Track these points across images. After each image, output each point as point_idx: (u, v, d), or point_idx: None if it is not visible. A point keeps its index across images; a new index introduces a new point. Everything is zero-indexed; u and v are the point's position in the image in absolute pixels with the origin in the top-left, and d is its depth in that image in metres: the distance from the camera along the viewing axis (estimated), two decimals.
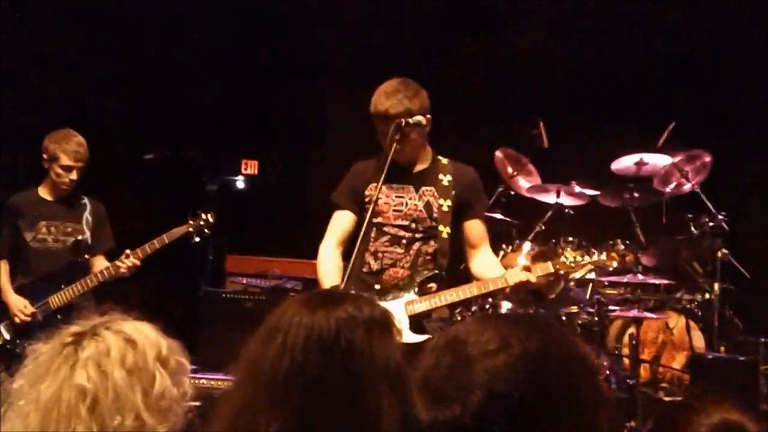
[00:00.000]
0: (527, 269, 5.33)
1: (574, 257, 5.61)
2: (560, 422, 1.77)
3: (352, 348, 1.99)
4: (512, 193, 8.53)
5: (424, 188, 5.48)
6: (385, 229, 5.44)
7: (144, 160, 9.31)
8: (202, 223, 6.43)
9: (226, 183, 10.04)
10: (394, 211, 5.45)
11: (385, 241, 5.44)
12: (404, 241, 5.42)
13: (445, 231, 5.45)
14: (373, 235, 5.43)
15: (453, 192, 5.48)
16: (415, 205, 5.45)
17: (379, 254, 5.44)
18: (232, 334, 7.60)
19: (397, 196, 5.46)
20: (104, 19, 10.18)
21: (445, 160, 5.58)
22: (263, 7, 10.83)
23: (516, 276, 5.27)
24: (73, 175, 6.42)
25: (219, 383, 6.36)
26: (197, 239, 6.45)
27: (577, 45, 9.77)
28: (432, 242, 5.43)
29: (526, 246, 8.00)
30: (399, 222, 5.43)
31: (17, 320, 6.29)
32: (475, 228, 5.58)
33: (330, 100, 10.88)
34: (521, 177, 8.52)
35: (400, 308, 5.24)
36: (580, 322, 7.25)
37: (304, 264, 8.86)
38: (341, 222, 5.56)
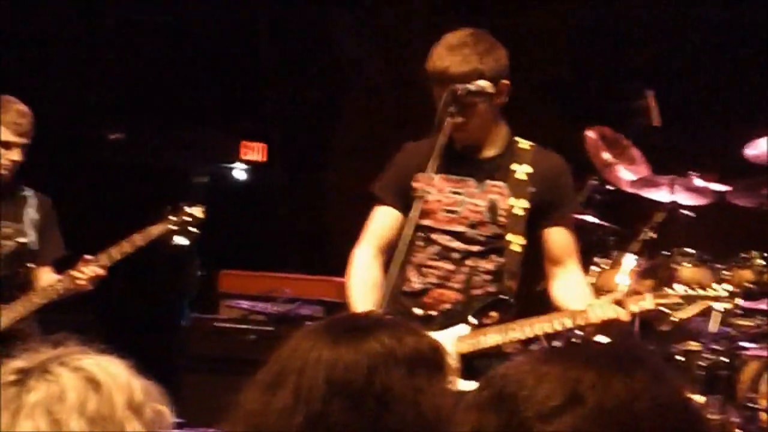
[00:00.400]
0: (619, 303, 4.98)
1: (686, 290, 5.12)
2: None
3: (390, 394, 2.01)
4: (609, 187, 8.40)
5: (489, 182, 5.23)
6: (434, 236, 5.22)
7: (108, 140, 9.37)
8: (186, 218, 6.26)
9: (220, 173, 10.09)
10: (447, 212, 5.21)
11: (434, 252, 5.23)
12: (456, 254, 5.20)
13: (515, 242, 5.19)
14: (419, 242, 5.23)
15: (531, 189, 5.21)
16: (475, 204, 5.22)
17: (424, 269, 5.24)
18: (226, 377, 7.62)
19: (452, 192, 5.23)
20: None
21: (525, 144, 5.31)
22: None
23: (601, 312, 4.90)
24: (14, 155, 6.27)
25: None
26: (180, 241, 6.28)
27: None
28: (495, 256, 5.22)
29: (628, 260, 7.97)
30: (452, 227, 5.21)
31: None
32: (559, 238, 5.30)
33: (350, 72, 11.03)
34: (622, 166, 8.45)
35: (448, 345, 4.89)
36: (701, 363, 7.15)
37: (326, 282, 8.90)
38: (383, 222, 5.33)
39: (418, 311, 5.17)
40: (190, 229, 6.28)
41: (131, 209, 6.34)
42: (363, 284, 5.22)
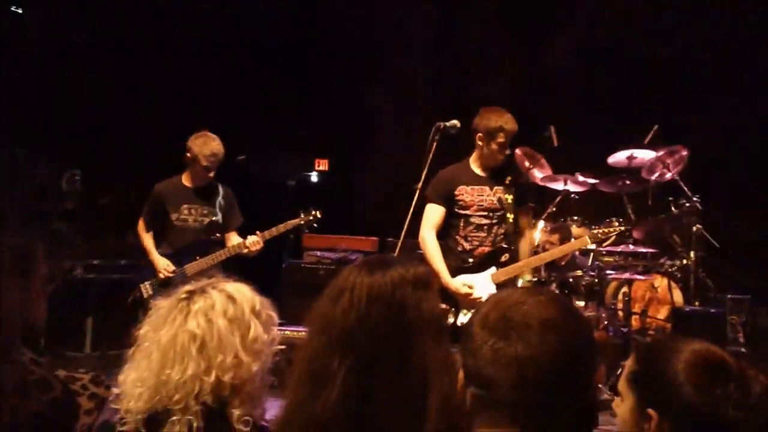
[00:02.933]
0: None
1: (602, 230, 5.98)
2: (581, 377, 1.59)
3: (404, 302, 1.95)
4: (529, 182, 8.41)
5: (496, 187, 5.61)
6: (472, 219, 5.57)
7: (236, 160, 9.38)
8: (311, 218, 6.21)
9: (302, 178, 10.07)
10: (477, 204, 5.59)
11: (472, 228, 5.58)
12: (485, 226, 5.56)
13: (510, 217, 5.54)
14: (461, 224, 5.60)
15: (512, 188, 5.61)
16: (491, 200, 5.58)
17: (469, 237, 5.57)
18: (309, 295, 7.68)
19: (478, 195, 5.64)
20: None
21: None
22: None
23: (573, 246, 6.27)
24: (211, 174, 6.15)
25: (299, 334, 6.35)
26: (306, 231, 6.30)
27: (581, 63, 9.79)
28: (503, 225, 5.55)
29: (541, 224, 7.95)
30: (481, 213, 5.57)
31: (161, 276, 6.09)
32: (523, 216, 5.76)
33: (378, 107, 10.88)
34: (536, 169, 8.44)
35: (488, 278, 5.48)
36: (584, 283, 7.20)
37: (363, 240, 8.91)
38: (436, 214, 5.67)
39: (471, 260, 5.51)
40: (314, 225, 6.22)
41: (258, 204, 6.27)
42: (435, 248, 5.54)
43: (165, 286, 5.98)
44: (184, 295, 2.23)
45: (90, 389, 2.22)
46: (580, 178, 8.08)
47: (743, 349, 7.39)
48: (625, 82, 9.69)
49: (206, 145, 6.08)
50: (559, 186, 8.22)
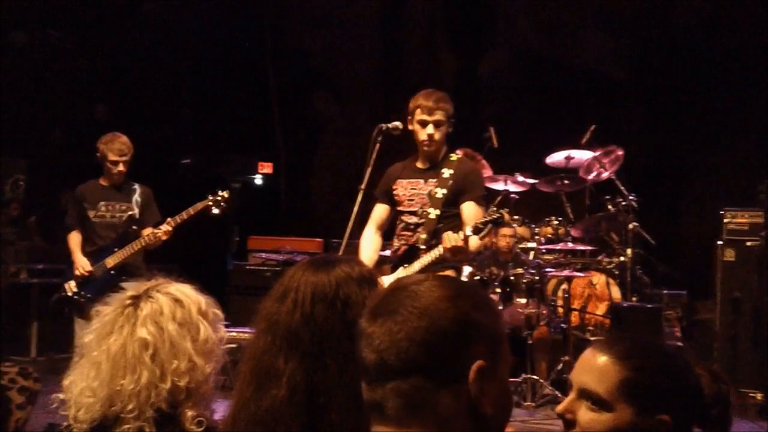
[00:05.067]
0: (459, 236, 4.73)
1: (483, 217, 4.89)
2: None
3: (349, 300, 1.93)
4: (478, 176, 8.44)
5: (430, 180, 5.16)
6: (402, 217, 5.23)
7: (181, 164, 9.31)
8: (219, 198, 6.20)
9: (246, 181, 10.05)
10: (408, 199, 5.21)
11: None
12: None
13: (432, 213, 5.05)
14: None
15: (450, 182, 5.08)
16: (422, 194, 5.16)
17: (401, 237, 5.24)
18: (254, 296, 7.65)
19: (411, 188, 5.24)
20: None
21: (455, 156, 5.26)
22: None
23: (447, 241, 4.71)
24: (120, 167, 6.29)
25: (246, 335, 6.31)
26: (216, 211, 6.19)
27: (519, 66, 9.91)
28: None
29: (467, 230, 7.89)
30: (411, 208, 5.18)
31: (77, 273, 6.21)
32: (466, 209, 5.06)
33: (325, 110, 10.90)
34: None
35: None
36: (524, 280, 7.19)
37: (309, 242, 8.93)
38: (379, 213, 5.34)
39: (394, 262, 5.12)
40: (222, 204, 6.20)
41: (193, 201, 6.24)
42: (366, 246, 5.20)
43: (87, 282, 6.18)
44: (128, 301, 2.17)
45: (19, 382, 2.13)
46: (520, 179, 8.12)
47: (680, 344, 7.55)
48: (561, 84, 9.86)
49: (112, 143, 6.29)
50: (499, 186, 8.24)
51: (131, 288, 2.25)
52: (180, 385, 2.08)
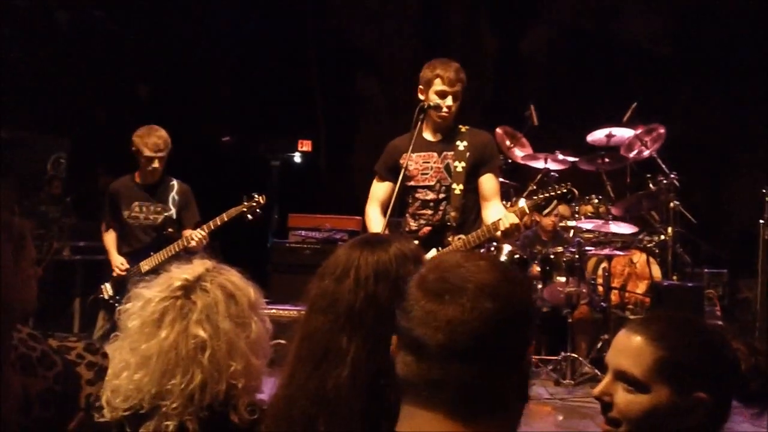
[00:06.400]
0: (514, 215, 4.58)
1: (542, 194, 4.74)
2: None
3: (407, 278, 1.91)
4: (510, 161, 8.41)
5: (445, 153, 4.93)
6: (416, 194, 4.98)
7: (221, 142, 9.31)
8: (254, 203, 5.82)
9: (286, 159, 10.05)
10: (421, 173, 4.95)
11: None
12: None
13: (457, 188, 4.84)
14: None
15: (467, 155, 4.86)
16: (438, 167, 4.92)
17: (417, 215, 5.00)
18: (295, 274, 7.69)
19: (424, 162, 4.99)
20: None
21: (464, 128, 5.00)
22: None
23: (506, 220, 4.54)
24: (155, 164, 5.92)
25: (285, 312, 6.34)
26: (250, 217, 5.81)
27: (560, 43, 9.82)
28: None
29: (521, 202, 7.80)
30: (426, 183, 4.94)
31: (114, 274, 5.97)
32: (486, 182, 4.88)
33: (366, 89, 10.87)
34: (516, 148, 8.45)
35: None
36: (564, 259, 7.16)
37: (348, 219, 8.91)
38: (381, 189, 5.10)
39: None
40: (257, 210, 5.82)
41: (238, 182, 6.14)
42: (373, 224, 4.96)
43: (122, 284, 5.86)
44: (179, 292, 2.10)
45: (86, 357, 2.10)
46: (560, 157, 8.03)
47: (720, 322, 7.49)
48: (602, 61, 9.75)
49: (148, 136, 5.92)
50: (539, 164, 8.14)
51: (177, 271, 2.17)
52: (236, 385, 2.05)
